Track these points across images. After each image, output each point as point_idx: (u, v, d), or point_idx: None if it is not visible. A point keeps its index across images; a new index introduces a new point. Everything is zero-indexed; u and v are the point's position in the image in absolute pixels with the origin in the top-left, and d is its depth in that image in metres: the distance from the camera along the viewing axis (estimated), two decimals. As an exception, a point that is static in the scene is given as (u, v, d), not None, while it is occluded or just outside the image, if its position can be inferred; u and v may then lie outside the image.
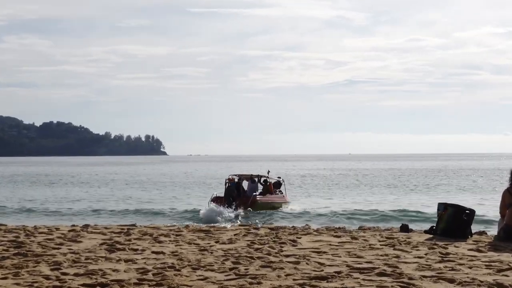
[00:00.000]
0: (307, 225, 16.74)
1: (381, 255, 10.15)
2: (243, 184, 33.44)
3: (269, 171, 36.34)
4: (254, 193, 32.33)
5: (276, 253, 10.42)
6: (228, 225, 17.36)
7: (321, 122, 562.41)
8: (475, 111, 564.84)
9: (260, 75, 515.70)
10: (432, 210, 25.89)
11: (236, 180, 32.95)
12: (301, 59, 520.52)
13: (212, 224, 19.98)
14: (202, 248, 11.06)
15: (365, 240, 12.07)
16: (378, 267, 8.99)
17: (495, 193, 44.02)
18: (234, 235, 13.00)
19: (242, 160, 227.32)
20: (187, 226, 15.16)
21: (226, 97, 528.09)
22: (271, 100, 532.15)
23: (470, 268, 9.03)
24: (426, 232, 13.09)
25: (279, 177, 37.34)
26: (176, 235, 12.97)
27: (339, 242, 11.76)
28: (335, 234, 13.14)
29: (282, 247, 11.13)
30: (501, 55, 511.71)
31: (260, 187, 33.93)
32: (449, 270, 8.85)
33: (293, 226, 15.50)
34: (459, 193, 47.49)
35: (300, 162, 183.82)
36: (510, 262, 9.43)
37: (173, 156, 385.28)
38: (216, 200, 31.29)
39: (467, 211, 12.58)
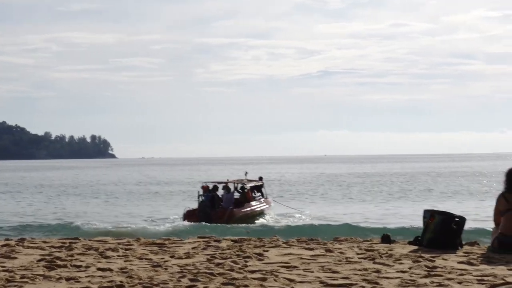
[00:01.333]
0: (275, 236, 16.75)
1: (359, 270, 10.19)
2: (219, 192, 33.09)
3: (246, 173, 36.46)
4: (231, 207, 31.78)
5: (239, 268, 10.41)
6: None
7: (292, 120, 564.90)
8: (467, 105, 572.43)
9: (222, 66, 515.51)
10: (417, 218, 26.14)
11: (210, 187, 32.66)
12: (268, 48, 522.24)
13: (167, 237, 19.93)
14: (155, 263, 11.01)
15: (341, 252, 12.11)
16: (356, 283, 9.03)
17: (489, 198, 44.62)
18: (192, 248, 12.96)
19: (202, 163, 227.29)
20: (138, 239, 15.08)
21: (184, 92, 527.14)
22: (235, 94, 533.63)
23: (460, 283, 9.10)
24: (410, 243, 13.16)
25: (261, 177, 37.43)
26: (126, 249, 12.89)
27: (311, 256, 11.78)
28: (307, 246, 13.16)
29: (246, 261, 11.12)
30: (495, 42, 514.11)
31: (237, 195, 33.78)
32: (436, 286, 8.92)
33: (259, 238, 15.49)
34: (448, 199, 48.08)
35: (268, 165, 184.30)
36: (505, 276, 9.53)
37: (123, 159, 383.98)
38: (189, 215, 30.96)
39: (456, 219, 12.67)
